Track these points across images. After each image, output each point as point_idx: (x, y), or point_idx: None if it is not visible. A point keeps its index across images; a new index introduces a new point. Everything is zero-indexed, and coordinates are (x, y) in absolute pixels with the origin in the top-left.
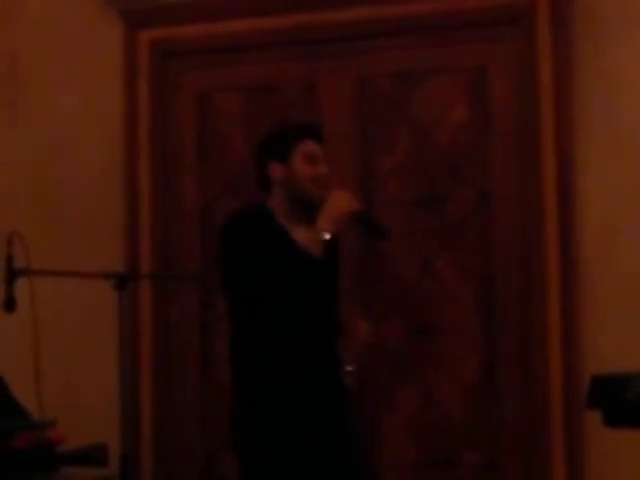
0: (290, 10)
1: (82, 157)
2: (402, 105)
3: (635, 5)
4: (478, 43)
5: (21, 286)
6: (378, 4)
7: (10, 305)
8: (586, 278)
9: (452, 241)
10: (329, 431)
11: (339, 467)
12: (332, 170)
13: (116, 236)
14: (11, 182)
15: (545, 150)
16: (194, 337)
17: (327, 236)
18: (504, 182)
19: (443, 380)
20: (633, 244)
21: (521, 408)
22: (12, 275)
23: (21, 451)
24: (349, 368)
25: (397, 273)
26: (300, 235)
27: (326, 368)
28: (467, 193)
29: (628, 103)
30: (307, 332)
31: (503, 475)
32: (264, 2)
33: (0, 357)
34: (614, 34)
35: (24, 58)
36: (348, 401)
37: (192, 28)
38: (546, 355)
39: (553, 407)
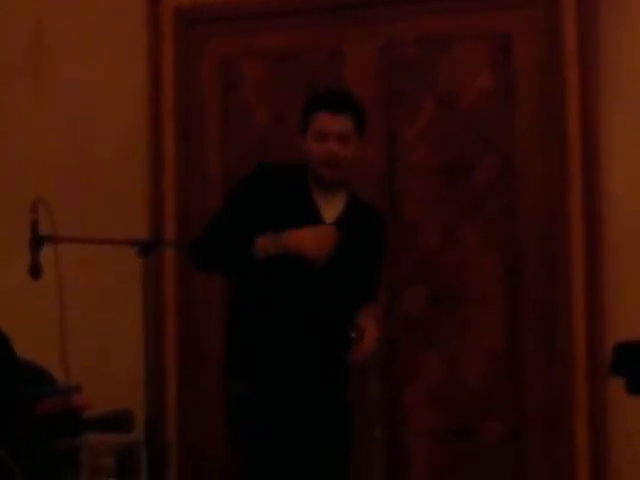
0: None
1: (107, 125)
2: (427, 72)
3: None
4: (503, 9)
5: (46, 253)
6: None
7: (35, 271)
8: (611, 245)
9: (476, 208)
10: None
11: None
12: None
13: (141, 203)
14: (36, 150)
15: (570, 117)
16: (218, 303)
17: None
18: (528, 149)
19: (466, 348)
20: None
21: (545, 376)
22: (37, 241)
23: (46, 416)
24: (353, 335)
25: (421, 241)
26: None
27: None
28: (491, 160)
29: None
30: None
31: (527, 444)
32: None
33: (26, 324)
34: None
35: (49, 27)
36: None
37: None
38: (570, 322)
39: (577, 374)
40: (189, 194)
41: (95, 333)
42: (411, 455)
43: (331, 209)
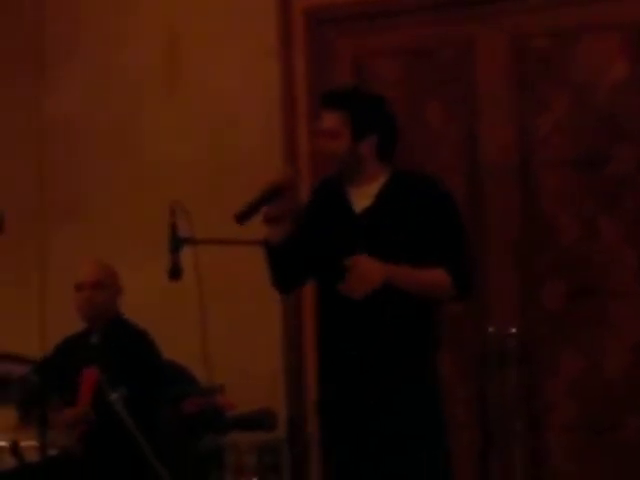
0: None
1: (242, 126)
2: (559, 64)
3: None
4: None
5: (186, 254)
6: None
7: (175, 273)
8: None
9: (614, 201)
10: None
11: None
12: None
13: None
14: (173, 153)
15: None
16: None
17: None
18: None
19: (607, 342)
20: None
21: None
22: (177, 244)
23: (192, 416)
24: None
25: (559, 235)
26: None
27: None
28: (628, 153)
29: None
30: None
31: None
32: None
33: (168, 325)
34: None
35: (182, 29)
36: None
37: None
38: None
39: None
40: None
41: (235, 333)
42: (552, 449)
43: (363, 200)
